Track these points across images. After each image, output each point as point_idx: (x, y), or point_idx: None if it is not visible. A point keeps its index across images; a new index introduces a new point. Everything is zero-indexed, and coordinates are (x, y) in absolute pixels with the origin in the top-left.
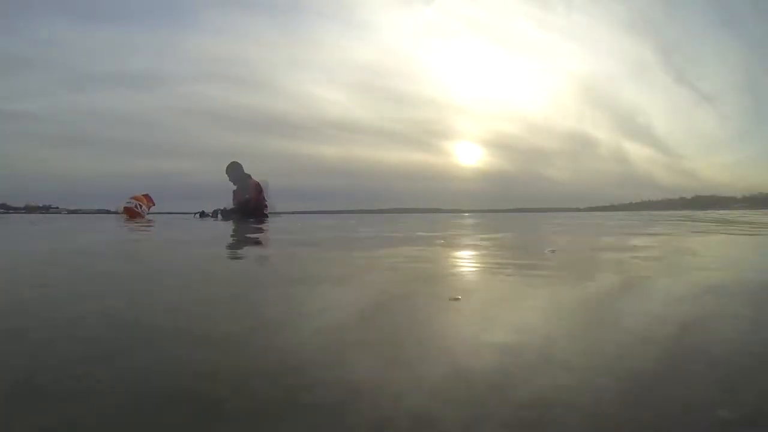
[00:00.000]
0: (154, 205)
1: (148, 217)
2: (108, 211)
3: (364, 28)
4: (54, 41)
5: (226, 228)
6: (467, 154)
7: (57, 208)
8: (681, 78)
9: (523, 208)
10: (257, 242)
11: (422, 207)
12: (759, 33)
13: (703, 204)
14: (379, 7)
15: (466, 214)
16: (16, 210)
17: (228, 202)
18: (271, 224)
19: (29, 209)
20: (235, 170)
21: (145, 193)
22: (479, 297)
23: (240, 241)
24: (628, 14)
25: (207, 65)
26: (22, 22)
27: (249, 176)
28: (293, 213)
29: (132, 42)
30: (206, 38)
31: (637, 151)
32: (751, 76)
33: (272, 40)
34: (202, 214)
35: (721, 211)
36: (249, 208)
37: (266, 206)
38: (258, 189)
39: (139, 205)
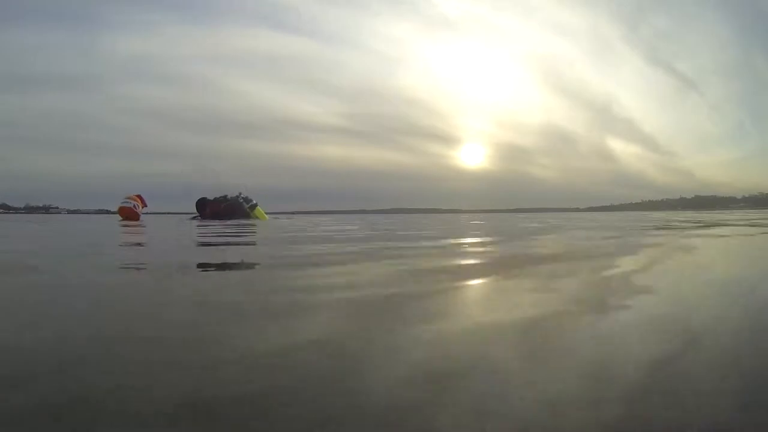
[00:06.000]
0: (146, 206)
1: (142, 219)
2: (108, 211)
3: (293, 22)
4: None
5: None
6: (455, 154)
7: (57, 207)
8: (654, 57)
9: (521, 208)
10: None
11: (421, 207)
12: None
13: (703, 204)
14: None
15: (467, 215)
16: (16, 210)
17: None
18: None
19: (29, 209)
20: (202, 201)
21: (137, 193)
22: None
23: None
24: None
25: (135, 65)
26: None
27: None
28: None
29: (51, 44)
30: (123, 37)
31: (623, 149)
32: (741, 55)
33: (195, 36)
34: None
35: (722, 212)
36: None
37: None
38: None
39: (136, 205)
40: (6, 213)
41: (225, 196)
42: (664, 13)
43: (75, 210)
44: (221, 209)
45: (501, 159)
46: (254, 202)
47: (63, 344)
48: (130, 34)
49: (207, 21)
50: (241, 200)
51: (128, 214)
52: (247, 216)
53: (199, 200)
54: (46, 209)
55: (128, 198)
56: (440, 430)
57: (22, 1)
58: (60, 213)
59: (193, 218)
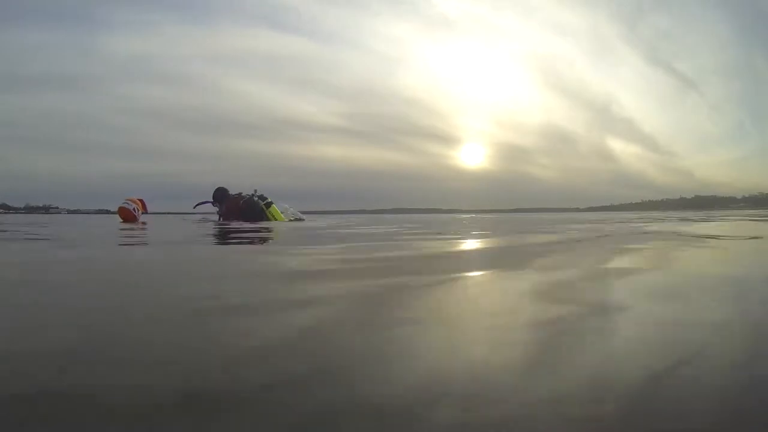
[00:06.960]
0: (146, 211)
1: (142, 219)
2: (108, 211)
3: (291, 22)
4: None
5: None
6: (455, 154)
7: (57, 207)
8: (654, 57)
9: (521, 208)
10: None
11: (421, 207)
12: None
13: (703, 204)
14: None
15: (465, 216)
16: (16, 210)
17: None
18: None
19: (29, 209)
20: (221, 192)
21: (140, 197)
22: None
23: None
24: None
25: (135, 65)
26: None
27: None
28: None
29: (51, 44)
30: (123, 37)
31: (623, 149)
32: (741, 55)
33: (194, 36)
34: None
35: (721, 212)
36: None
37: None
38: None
39: (136, 208)
40: (6, 213)
41: (240, 194)
42: (664, 13)
43: (75, 210)
44: (240, 206)
45: (501, 159)
46: (269, 200)
47: None
48: (130, 34)
49: (207, 21)
50: (257, 198)
51: (126, 216)
52: (263, 216)
53: (217, 189)
54: (46, 209)
55: (129, 200)
56: None
57: (22, 1)
58: (60, 213)
59: (198, 205)
